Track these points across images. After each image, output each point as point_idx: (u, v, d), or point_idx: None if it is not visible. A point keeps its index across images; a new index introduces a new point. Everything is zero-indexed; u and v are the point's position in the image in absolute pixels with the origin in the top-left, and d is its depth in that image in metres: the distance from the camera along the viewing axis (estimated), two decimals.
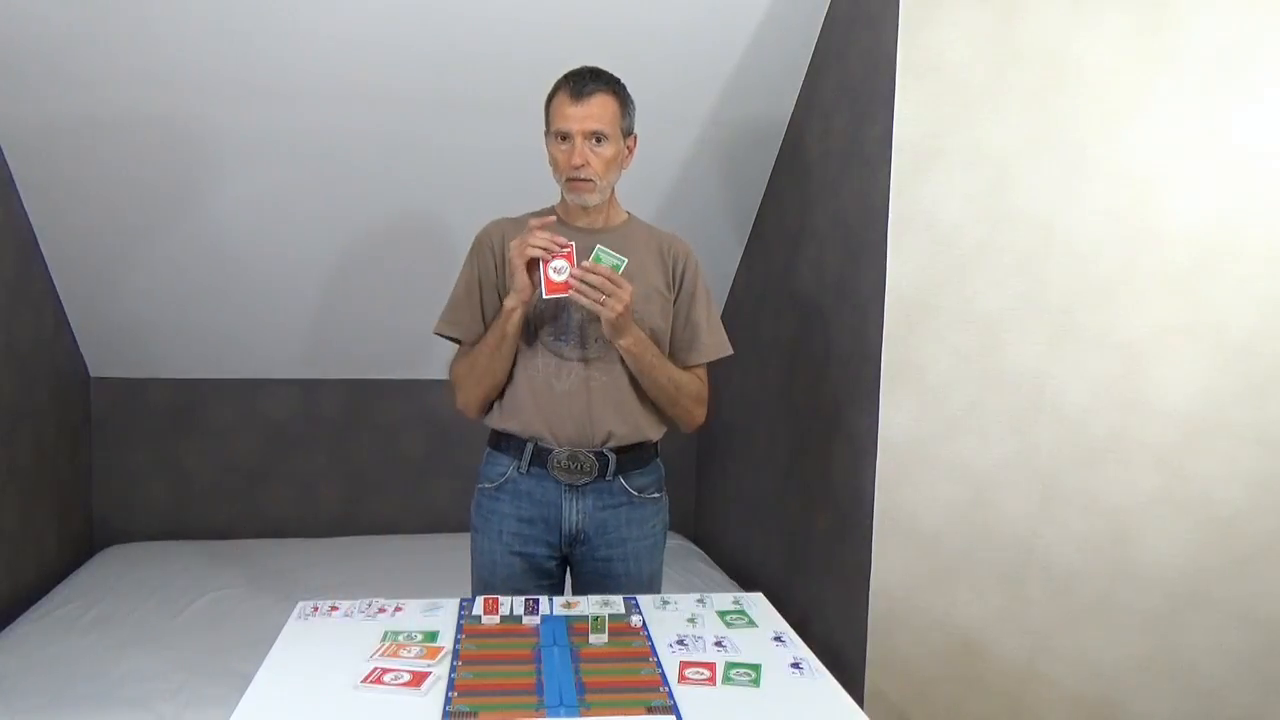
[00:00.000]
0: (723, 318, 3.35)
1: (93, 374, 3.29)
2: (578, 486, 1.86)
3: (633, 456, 1.90)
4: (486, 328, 1.88)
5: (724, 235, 3.14)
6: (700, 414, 1.98)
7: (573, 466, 1.84)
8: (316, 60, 2.48)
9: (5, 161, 2.64)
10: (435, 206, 2.90)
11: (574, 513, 1.87)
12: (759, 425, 3.00)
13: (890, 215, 2.11)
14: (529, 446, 1.86)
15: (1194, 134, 2.13)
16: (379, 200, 2.87)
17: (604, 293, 1.70)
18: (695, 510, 3.75)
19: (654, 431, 1.93)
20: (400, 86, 2.57)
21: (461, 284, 1.92)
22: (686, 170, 2.91)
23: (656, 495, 1.96)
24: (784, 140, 2.83)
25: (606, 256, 1.73)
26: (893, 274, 2.12)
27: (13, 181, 2.69)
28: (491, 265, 1.89)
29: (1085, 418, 2.17)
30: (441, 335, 1.93)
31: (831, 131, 2.46)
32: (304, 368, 3.38)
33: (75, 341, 3.17)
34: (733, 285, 3.29)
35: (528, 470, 1.87)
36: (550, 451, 1.84)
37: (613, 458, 1.86)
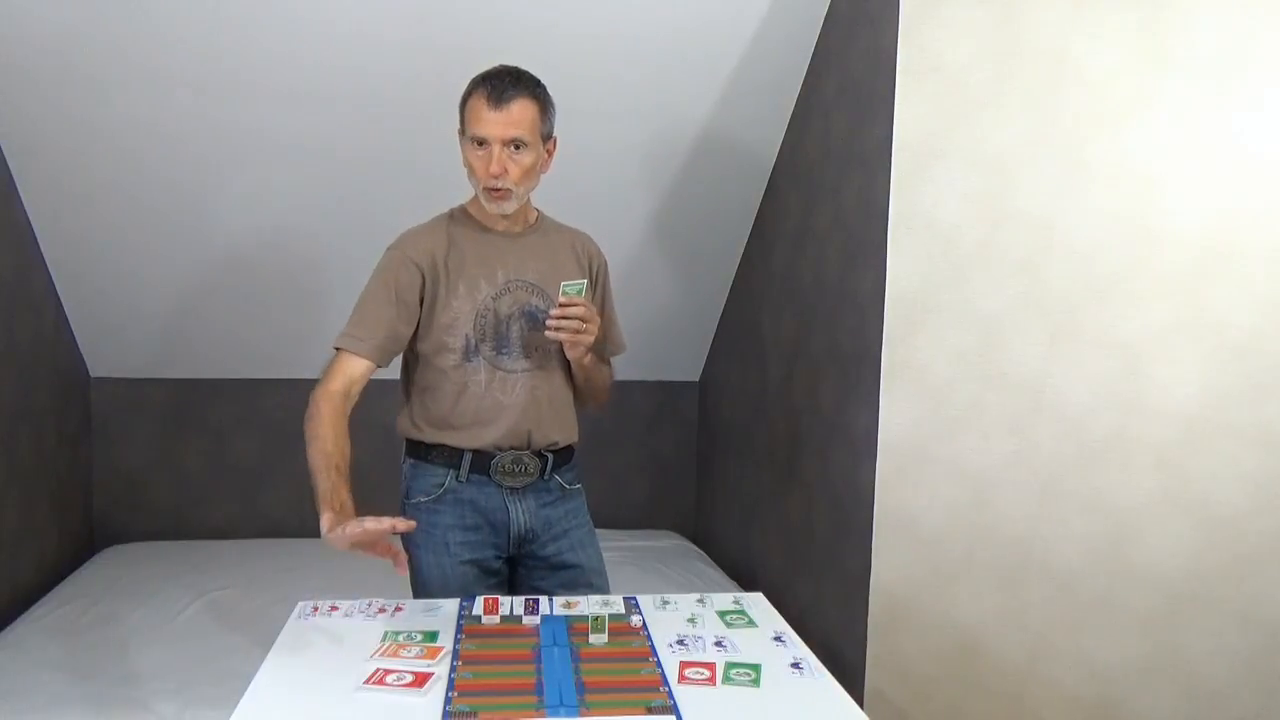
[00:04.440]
0: (722, 318, 3.40)
1: (93, 374, 3.29)
2: (518, 488, 1.87)
3: (562, 454, 1.93)
4: (392, 350, 1.82)
5: (724, 235, 3.14)
6: (609, 399, 2.05)
7: (516, 470, 1.85)
8: (317, 60, 2.48)
9: (5, 161, 2.64)
10: (435, 206, 2.90)
11: (520, 514, 1.87)
12: (759, 425, 3.00)
13: (890, 215, 2.11)
14: (466, 455, 1.83)
15: (1194, 134, 2.13)
16: (380, 199, 2.87)
17: (584, 320, 1.74)
18: (695, 510, 3.75)
19: (577, 433, 1.97)
20: (399, 87, 2.56)
21: (375, 301, 1.80)
22: (687, 170, 2.91)
23: (579, 486, 1.99)
24: (784, 140, 2.83)
25: (571, 286, 1.75)
26: (893, 274, 2.12)
27: (13, 181, 2.69)
28: (418, 285, 1.81)
29: (1085, 418, 2.17)
30: (343, 350, 1.79)
31: (831, 131, 2.46)
32: (304, 368, 3.37)
33: (75, 341, 3.17)
34: (733, 285, 3.29)
35: (467, 478, 1.85)
36: (493, 457, 1.83)
37: (550, 457, 1.89)
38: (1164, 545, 2.20)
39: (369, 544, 1.52)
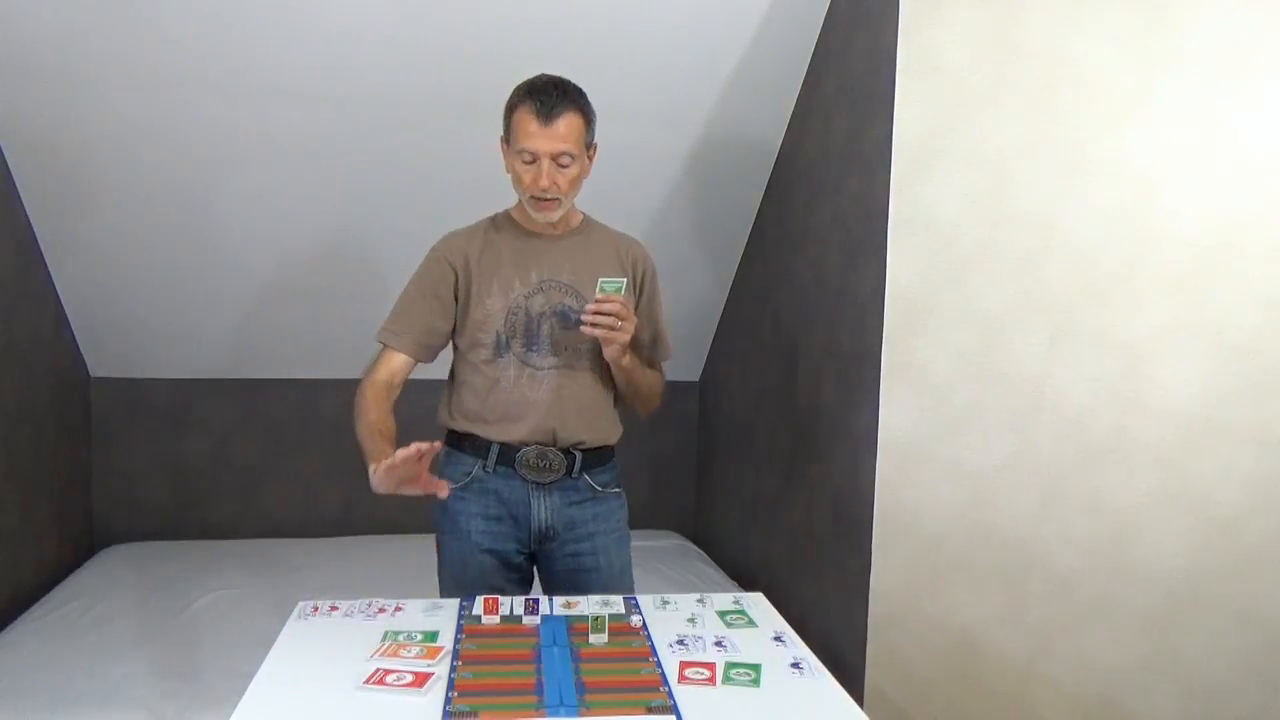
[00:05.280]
0: (722, 318, 3.40)
1: (93, 374, 3.29)
2: (544, 484, 1.88)
3: (595, 454, 1.93)
4: (431, 345, 1.90)
5: (724, 235, 3.14)
6: (659, 404, 2.05)
7: (540, 465, 1.86)
8: (317, 60, 2.48)
9: (5, 161, 2.64)
10: (435, 206, 2.90)
11: (542, 510, 1.89)
12: (759, 425, 3.00)
13: (890, 215, 2.11)
14: (494, 446, 1.87)
15: (1194, 134, 2.13)
16: (379, 199, 2.87)
17: (619, 318, 1.75)
18: (695, 510, 3.75)
19: (615, 435, 1.98)
20: (399, 87, 2.57)
21: (414, 297, 1.89)
22: (687, 170, 2.91)
23: (617, 490, 1.99)
24: (784, 140, 2.83)
25: (610, 283, 1.75)
26: (893, 274, 2.12)
27: (13, 181, 2.69)
28: (452, 283, 1.88)
29: (1085, 418, 2.17)
30: (383, 343, 1.89)
31: (831, 131, 2.46)
32: (304, 368, 3.37)
33: (75, 341, 3.17)
34: (733, 285, 3.29)
35: (494, 469, 1.88)
36: (518, 450, 1.86)
37: (579, 455, 1.90)
38: (1164, 545, 2.20)
39: (410, 479, 1.62)
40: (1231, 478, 2.19)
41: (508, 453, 1.86)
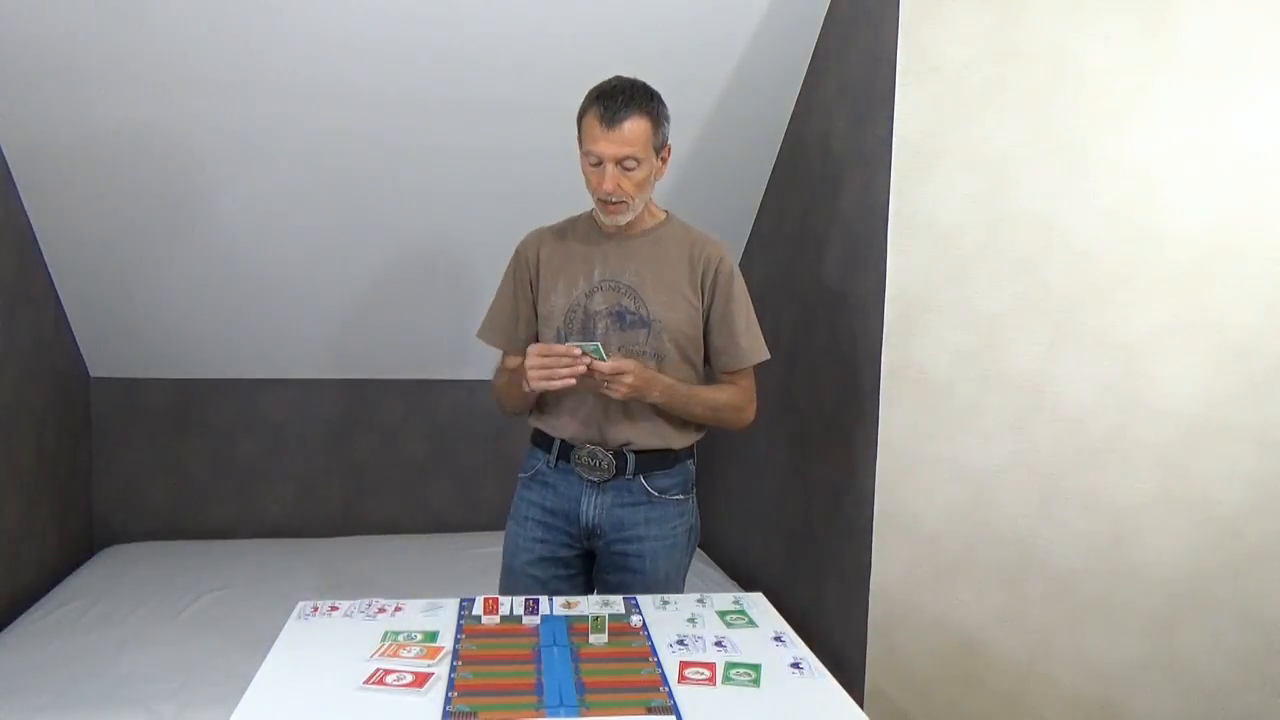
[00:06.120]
0: None
1: (93, 374, 3.29)
2: (598, 483, 1.90)
3: (655, 458, 1.92)
4: (522, 337, 1.96)
5: (724, 235, 3.12)
6: (746, 417, 1.99)
7: (591, 464, 1.89)
8: (317, 63, 2.48)
9: (5, 162, 2.64)
10: (436, 208, 2.90)
11: (591, 508, 1.91)
12: (759, 425, 3.00)
13: (890, 215, 2.11)
14: (557, 443, 1.92)
15: (1194, 134, 2.13)
16: (379, 201, 2.87)
17: (601, 382, 1.75)
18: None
19: (677, 441, 1.94)
20: (399, 88, 2.56)
21: (501, 294, 2.00)
22: (686, 170, 2.91)
23: (680, 497, 1.96)
24: (784, 140, 2.83)
25: (584, 346, 1.74)
26: (893, 274, 2.12)
27: (13, 182, 2.69)
28: (527, 278, 1.96)
29: (1085, 418, 2.17)
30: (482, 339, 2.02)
31: (831, 131, 2.46)
32: (304, 368, 3.37)
33: (75, 341, 3.17)
34: None
35: (555, 465, 1.93)
36: (574, 448, 1.90)
37: (632, 458, 1.89)
38: (1164, 545, 2.20)
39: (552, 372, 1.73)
40: (1232, 478, 2.19)
41: (566, 450, 1.91)
